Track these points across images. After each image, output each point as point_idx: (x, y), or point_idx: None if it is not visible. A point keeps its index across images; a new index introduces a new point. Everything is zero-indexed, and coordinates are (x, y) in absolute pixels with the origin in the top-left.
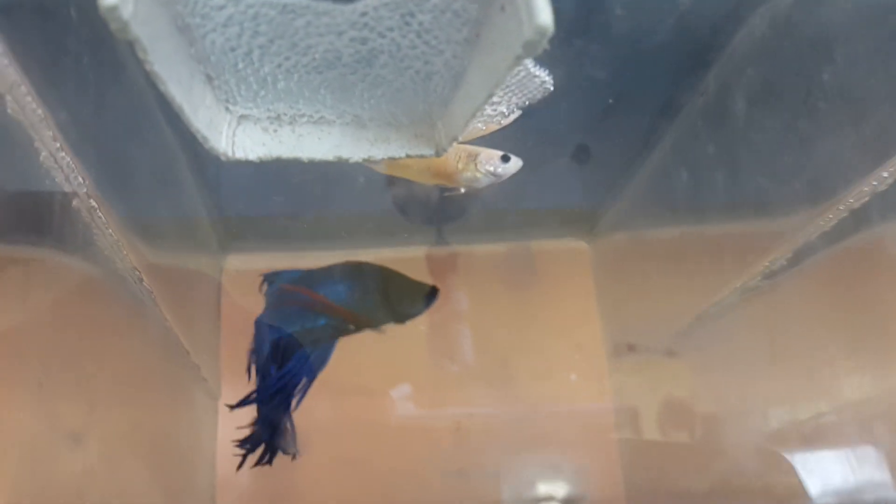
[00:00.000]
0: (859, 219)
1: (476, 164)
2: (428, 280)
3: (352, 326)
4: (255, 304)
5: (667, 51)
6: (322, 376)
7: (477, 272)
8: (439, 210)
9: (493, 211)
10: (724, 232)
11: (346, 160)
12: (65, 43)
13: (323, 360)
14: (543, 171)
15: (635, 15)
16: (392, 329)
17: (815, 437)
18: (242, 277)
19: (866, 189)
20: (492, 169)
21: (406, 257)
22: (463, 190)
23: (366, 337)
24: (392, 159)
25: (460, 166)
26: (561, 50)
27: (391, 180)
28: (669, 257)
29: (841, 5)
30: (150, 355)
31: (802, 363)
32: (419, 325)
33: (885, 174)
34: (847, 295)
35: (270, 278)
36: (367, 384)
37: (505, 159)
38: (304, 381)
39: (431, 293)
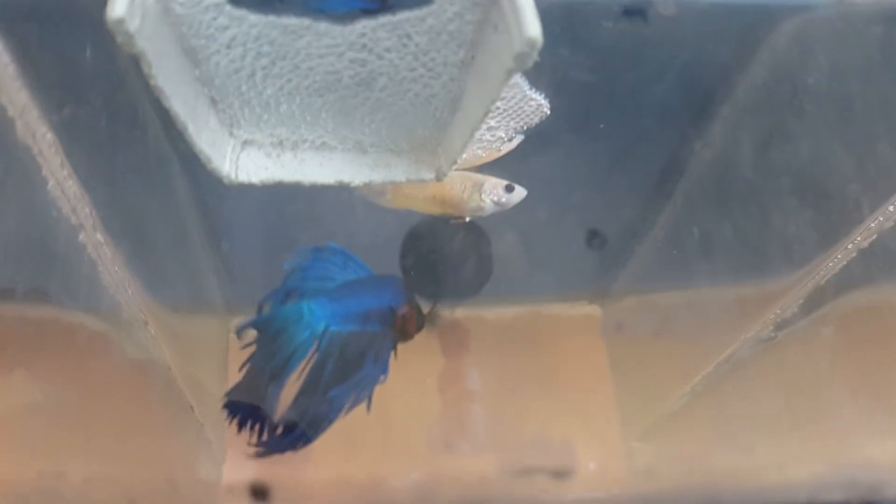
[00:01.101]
0: (868, 259)
1: (481, 194)
2: (439, 357)
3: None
4: None
5: (670, 103)
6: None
7: (487, 340)
8: (449, 288)
9: (502, 278)
10: (737, 286)
11: (348, 184)
12: (79, 71)
13: (383, 371)
14: (551, 252)
15: (637, 67)
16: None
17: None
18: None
19: (873, 226)
20: (496, 199)
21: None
22: (468, 219)
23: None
24: (395, 186)
25: (465, 196)
26: (563, 104)
27: (403, 254)
28: (682, 315)
29: (834, 49)
30: (152, 408)
31: (818, 421)
32: (432, 402)
33: (892, 208)
34: (865, 347)
35: None
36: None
37: (509, 189)
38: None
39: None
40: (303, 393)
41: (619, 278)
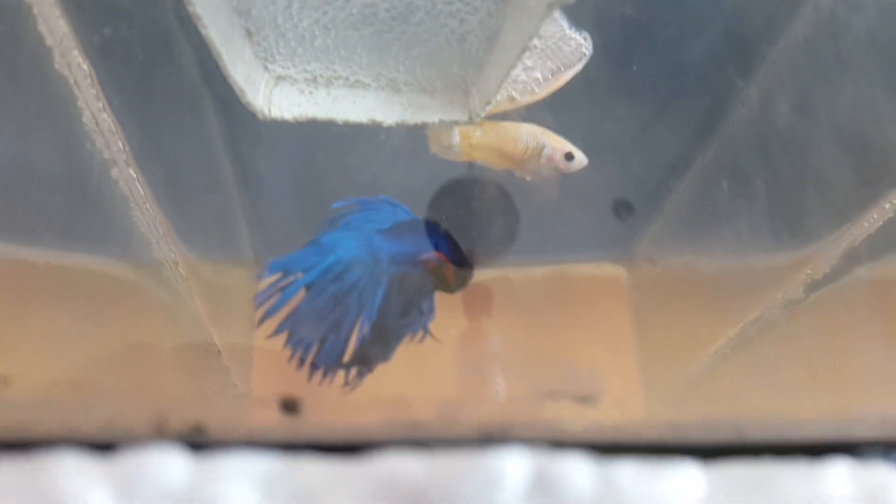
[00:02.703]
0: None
1: (541, 156)
2: (461, 316)
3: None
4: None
5: (711, 58)
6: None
7: (511, 299)
8: (476, 252)
9: (528, 237)
10: (768, 247)
11: (380, 123)
12: (118, 2)
13: (431, 310)
14: (578, 211)
15: (680, 18)
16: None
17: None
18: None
19: None
20: (554, 164)
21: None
22: (529, 178)
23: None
24: (464, 137)
25: (526, 155)
26: (604, 49)
27: (431, 212)
28: (709, 278)
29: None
30: (180, 352)
31: (845, 386)
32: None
33: None
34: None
35: None
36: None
37: (569, 157)
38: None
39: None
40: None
41: (647, 239)
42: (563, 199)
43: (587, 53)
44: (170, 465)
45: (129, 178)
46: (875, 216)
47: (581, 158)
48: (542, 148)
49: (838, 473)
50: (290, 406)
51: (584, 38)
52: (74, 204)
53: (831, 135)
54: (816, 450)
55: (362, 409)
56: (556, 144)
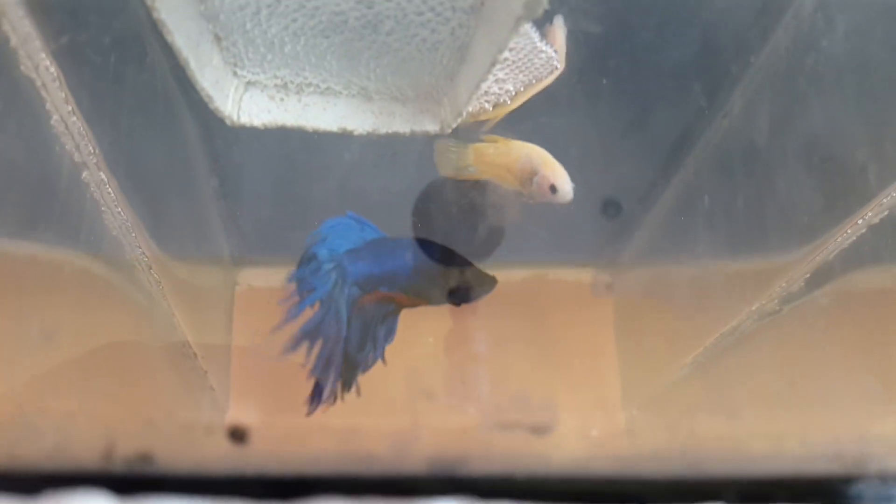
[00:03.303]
0: (877, 235)
1: (532, 181)
2: (447, 317)
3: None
4: (269, 321)
5: (690, 69)
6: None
7: (493, 302)
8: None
9: (511, 241)
10: (745, 258)
11: (351, 132)
12: (84, 2)
13: (390, 333)
14: (560, 217)
15: (658, 31)
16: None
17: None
18: (255, 294)
19: (885, 202)
20: (541, 192)
21: None
22: (526, 200)
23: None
24: (478, 155)
25: (523, 177)
26: (583, 66)
27: (415, 224)
28: (688, 285)
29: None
30: (153, 354)
31: (812, 396)
32: (437, 365)
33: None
34: (865, 325)
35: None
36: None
37: (552, 189)
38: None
39: (491, 282)
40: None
41: (628, 247)
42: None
43: (558, 67)
44: None
45: (99, 181)
46: (849, 231)
47: (564, 193)
48: (535, 174)
49: None
50: (237, 435)
51: (555, 52)
52: (45, 205)
53: (803, 152)
54: (762, 487)
55: (313, 439)
56: (547, 172)
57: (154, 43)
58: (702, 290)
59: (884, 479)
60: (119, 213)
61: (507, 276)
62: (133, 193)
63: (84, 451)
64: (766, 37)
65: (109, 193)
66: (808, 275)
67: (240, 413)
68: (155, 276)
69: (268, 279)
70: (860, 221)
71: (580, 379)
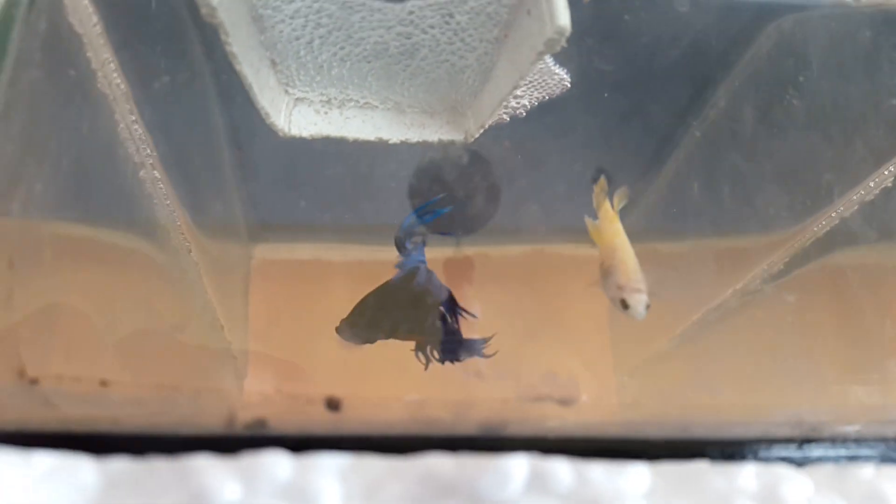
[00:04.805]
0: (849, 226)
1: (606, 282)
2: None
3: None
4: (282, 294)
5: (682, 67)
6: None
7: (491, 275)
8: (459, 221)
9: (509, 216)
10: (730, 239)
11: (386, 141)
12: (151, 30)
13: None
14: (557, 195)
15: (652, 32)
16: None
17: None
18: (269, 267)
19: (855, 198)
20: (612, 296)
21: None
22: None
23: None
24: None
25: (602, 270)
26: (581, 64)
27: (412, 191)
28: (678, 264)
29: (834, 26)
30: (190, 325)
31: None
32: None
33: (871, 184)
34: (840, 303)
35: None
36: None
37: (623, 304)
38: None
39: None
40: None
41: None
42: (544, 182)
43: (568, 86)
44: (278, 463)
45: (153, 178)
46: (823, 223)
47: (635, 313)
48: (608, 276)
49: (748, 473)
50: (333, 404)
51: (566, 73)
52: (111, 197)
53: (783, 154)
54: (738, 447)
55: (390, 408)
56: (622, 282)
57: (203, 64)
58: (690, 270)
59: (833, 440)
60: (167, 204)
61: (505, 251)
62: (180, 186)
63: (212, 419)
64: (750, 42)
65: (161, 189)
66: (788, 258)
67: (257, 380)
68: (194, 258)
69: (279, 253)
70: (833, 214)
71: (574, 349)
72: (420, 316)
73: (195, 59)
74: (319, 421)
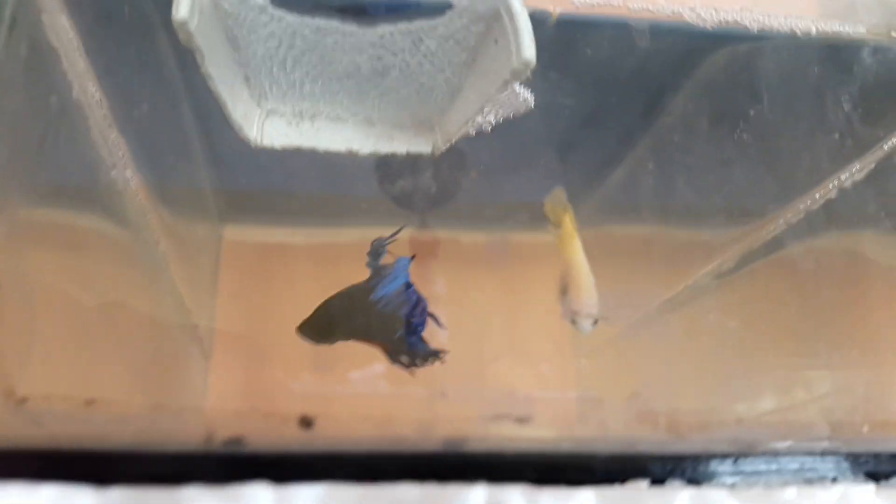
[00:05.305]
0: (794, 233)
1: (563, 295)
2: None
3: None
4: (252, 274)
5: (641, 77)
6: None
7: (456, 259)
8: (424, 195)
9: (475, 203)
10: (682, 236)
11: (356, 153)
12: (121, 40)
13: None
14: (524, 170)
15: (614, 48)
16: None
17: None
18: (239, 248)
19: (801, 207)
20: (565, 311)
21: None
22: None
23: None
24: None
25: (560, 285)
26: (546, 74)
27: (380, 165)
28: (633, 255)
29: (783, 56)
30: (158, 311)
31: (743, 359)
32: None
33: (818, 195)
34: (787, 298)
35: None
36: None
37: (573, 321)
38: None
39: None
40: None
41: (583, 214)
42: (511, 173)
43: (531, 106)
44: (261, 494)
45: (126, 179)
46: (781, 221)
47: (582, 329)
48: (565, 293)
49: (682, 497)
50: (306, 422)
51: (529, 93)
52: (86, 191)
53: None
54: (678, 462)
55: (361, 424)
56: (575, 307)
57: (175, 71)
58: (650, 259)
59: (766, 455)
60: (140, 200)
61: (473, 237)
62: (152, 183)
63: (190, 437)
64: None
65: (133, 187)
66: (740, 256)
67: (223, 362)
68: (162, 249)
69: (249, 235)
70: (781, 221)
71: (537, 331)
72: (386, 322)
73: (170, 70)
74: (293, 438)
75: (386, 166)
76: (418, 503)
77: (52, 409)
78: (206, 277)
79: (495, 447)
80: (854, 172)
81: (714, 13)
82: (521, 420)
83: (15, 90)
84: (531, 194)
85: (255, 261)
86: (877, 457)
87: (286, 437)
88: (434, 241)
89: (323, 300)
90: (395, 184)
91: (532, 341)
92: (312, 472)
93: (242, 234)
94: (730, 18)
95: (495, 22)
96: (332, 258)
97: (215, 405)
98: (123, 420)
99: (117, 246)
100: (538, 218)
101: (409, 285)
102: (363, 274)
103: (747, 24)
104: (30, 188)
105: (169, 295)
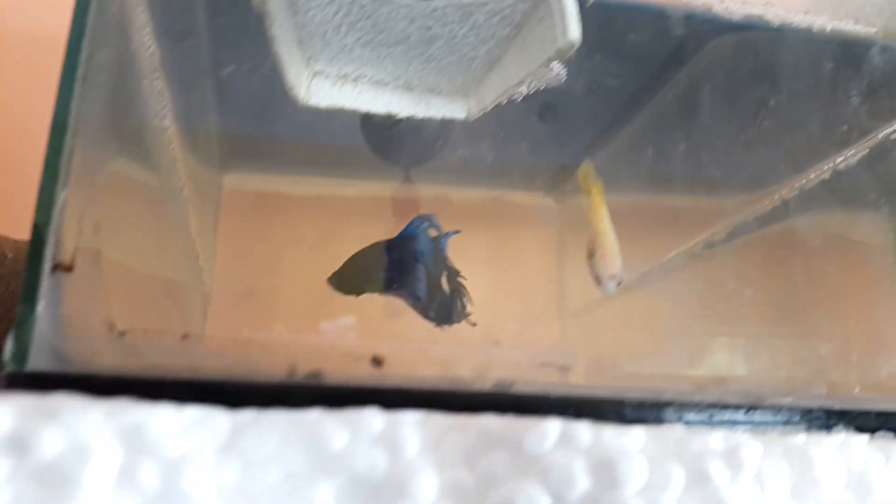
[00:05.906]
0: (788, 208)
1: (591, 260)
2: (391, 218)
3: None
4: (248, 222)
5: (649, 48)
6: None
7: (450, 217)
8: (409, 149)
9: (466, 160)
10: (677, 204)
11: (395, 115)
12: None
13: None
14: (517, 129)
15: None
16: None
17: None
18: (237, 196)
19: (796, 185)
20: (592, 272)
21: (372, 194)
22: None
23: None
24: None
25: (588, 248)
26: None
27: (366, 119)
28: (627, 220)
29: (789, 42)
30: (176, 254)
31: (724, 323)
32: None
33: (813, 175)
34: (772, 270)
35: None
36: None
37: (597, 281)
38: None
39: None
40: None
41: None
42: (508, 140)
43: (562, 80)
44: (374, 417)
45: (164, 127)
46: (775, 198)
47: (606, 290)
48: (592, 256)
49: (716, 437)
50: (377, 361)
51: (562, 68)
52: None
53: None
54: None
55: (425, 365)
56: (601, 263)
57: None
58: (640, 225)
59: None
60: (172, 149)
61: (465, 195)
62: (184, 131)
63: (275, 370)
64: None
65: (170, 133)
66: (730, 229)
67: (221, 299)
68: (185, 197)
69: (247, 183)
70: (776, 197)
71: (525, 290)
72: (413, 277)
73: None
74: (365, 375)
75: (371, 120)
76: (502, 431)
77: (148, 342)
78: (210, 224)
79: (541, 390)
80: (848, 156)
81: (741, 5)
82: (563, 369)
83: (105, 43)
84: (524, 156)
85: (252, 209)
86: (866, 413)
87: (359, 374)
88: (415, 197)
89: (353, 253)
90: (380, 138)
91: (523, 302)
92: (384, 405)
93: (240, 183)
94: (755, 12)
95: (542, 2)
96: (332, 209)
97: (298, 341)
98: (217, 355)
99: (152, 192)
100: (534, 178)
101: (439, 248)
102: (367, 228)
103: (770, 18)
104: (109, 137)
105: (186, 243)
